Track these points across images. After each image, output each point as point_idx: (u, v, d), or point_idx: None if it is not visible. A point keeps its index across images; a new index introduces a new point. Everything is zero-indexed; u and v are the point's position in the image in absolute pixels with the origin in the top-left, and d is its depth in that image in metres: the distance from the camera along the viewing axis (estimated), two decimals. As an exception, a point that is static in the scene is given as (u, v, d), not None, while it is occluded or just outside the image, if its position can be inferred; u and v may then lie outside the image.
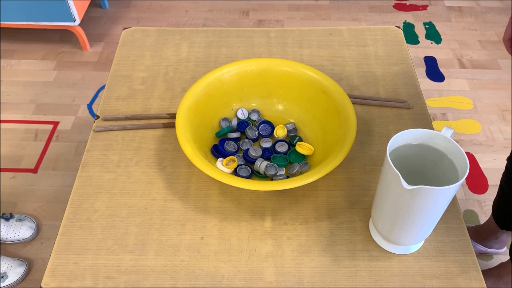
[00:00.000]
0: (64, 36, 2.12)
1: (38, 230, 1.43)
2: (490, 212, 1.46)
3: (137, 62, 1.06)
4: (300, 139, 0.89)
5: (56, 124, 1.75)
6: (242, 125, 0.91)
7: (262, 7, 2.28)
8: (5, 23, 1.93)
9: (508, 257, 1.37)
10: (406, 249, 0.74)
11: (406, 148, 0.68)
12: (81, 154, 1.20)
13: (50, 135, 1.71)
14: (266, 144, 0.88)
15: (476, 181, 1.56)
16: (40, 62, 2.00)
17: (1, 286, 1.28)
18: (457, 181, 0.61)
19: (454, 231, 0.77)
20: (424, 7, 2.29)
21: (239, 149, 0.88)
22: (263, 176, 0.84)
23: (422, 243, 0.75)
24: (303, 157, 0.87)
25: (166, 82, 1.01)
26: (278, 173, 0.83)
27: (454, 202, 0.80)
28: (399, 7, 2.29)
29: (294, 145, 0.88)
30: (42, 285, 0.72)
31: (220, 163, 0.82)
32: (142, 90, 1.00)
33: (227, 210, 0.80)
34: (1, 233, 1.36)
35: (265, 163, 0.83)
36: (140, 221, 0.79)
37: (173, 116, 0.94)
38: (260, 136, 0.90)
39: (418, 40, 2.11)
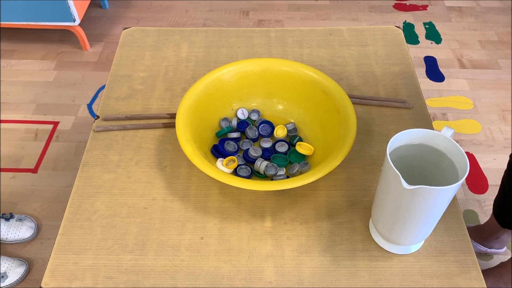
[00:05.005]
0: (64, 36, 2.12)
1: (38, 230, 1.43)
2: (490, 212, 1.47)
3: (137, 62, 1.06)
4: (300, 139, 0.89)
5: (56, 124, 1.75)
6: (242, 125, 0.91)
7: (262, 7, 2.28)
8: (5, 23, 1.93)
9: (508, 257, 1.37)
10: (406, 249, 0.74)
11: (406, 148, 0.68)
12: (81, 154, 1.20)
13: (50, 135, 1.71)
14: (266, 144, 0.88)
15: (476, 181, 1.56)
16: (40, 62, 2.00)
17: (1, 286, 1.28)
18: (457, 181, 0.61)
19: (454, 231, 0.77)
20: (424, 7, 2.29)
21: (239, 149, 0.88)
22: (263, 176, 0.84)
23: (422, 243, 0.75)
24: (303, 157, 0.87)
25: (166, 82, 1.01)
26: (278, 173, 0.83)
27: (454, 202, 0.80)
28: (399, 7, 2.29)
29: (294, 145, 0.88)
30: (42, 285, 0.72)
31: (220, 163, 0.82)
32: (142, 90, 1.00)
33: (227, 210, 0.80)
34: (1, 233, 1.36)
35: (265, 163, 0.83)
36: (140, 221, 0.79)
37: (173, 116, 0.94)
38: (260, 136, 0.90)
39: (418, 40, 2.11)
